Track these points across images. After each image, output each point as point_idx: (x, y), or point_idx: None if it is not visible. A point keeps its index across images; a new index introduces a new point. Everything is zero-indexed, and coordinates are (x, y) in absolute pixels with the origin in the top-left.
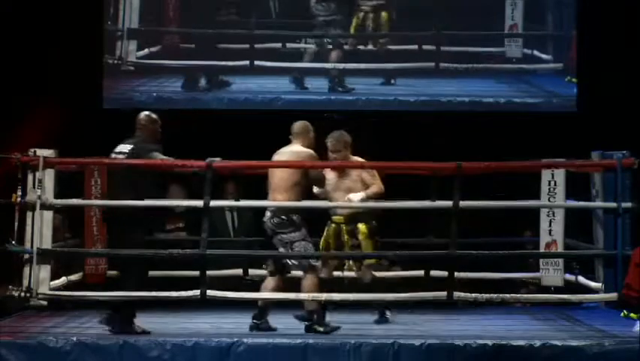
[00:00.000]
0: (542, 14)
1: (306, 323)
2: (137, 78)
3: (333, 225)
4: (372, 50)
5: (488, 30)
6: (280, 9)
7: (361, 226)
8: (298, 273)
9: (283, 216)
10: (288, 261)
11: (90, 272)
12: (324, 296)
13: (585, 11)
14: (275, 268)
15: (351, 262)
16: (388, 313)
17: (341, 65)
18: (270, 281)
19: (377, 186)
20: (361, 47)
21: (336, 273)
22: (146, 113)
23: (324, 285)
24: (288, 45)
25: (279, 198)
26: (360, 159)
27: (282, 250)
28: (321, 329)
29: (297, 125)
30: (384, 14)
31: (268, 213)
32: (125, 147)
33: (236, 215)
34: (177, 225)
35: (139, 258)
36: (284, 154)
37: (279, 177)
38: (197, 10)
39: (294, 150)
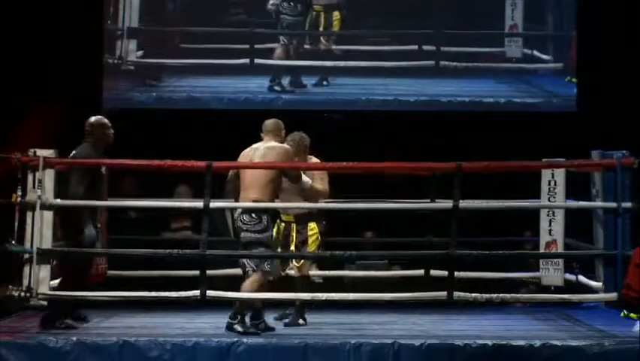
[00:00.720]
0: (542, 14)
1: (230, 320)
2: (137, 78)
3: (283, 223)
4: (363, 50)
5: (488, 30)
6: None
7: (312, 225)
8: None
9: (253, 214)
10: (244, 262)
11: (93, 272)
12: (324, 296)
13: (585, 11)
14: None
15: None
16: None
17: (342, 63)
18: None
19: (323, 187)
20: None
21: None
22: (95, 117)
23: (266, 288)
24: None
25: (252, 196)
26: (316, 159)
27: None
28: (240, 330)
29: (270, 123)
30: (336, 14)
31: (239, 210)
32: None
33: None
34: (183, 224)
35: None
36: (259, 150)
37: (253, 174)
38: (205, 11)
39: (270, 146)
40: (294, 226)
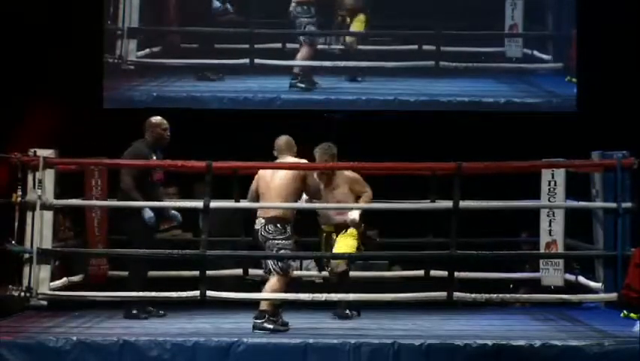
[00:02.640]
0: (542, 14)
1: (255, 321)
2: (137, 78)
3: (324, 234)
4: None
5: (488, 30)
6: (266, 9)
7: (351, 230)
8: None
9: (278, 225)
10: (269, 264)
11: (94, 273)
12: (324, 297)
13: (585, 11)
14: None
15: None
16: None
17: (342, 63)
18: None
19: (367, 196)
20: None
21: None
22: (155, 117)
23: (289, 289)
24: (289, 45)
25: (274, 210)
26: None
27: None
28: (270, 327)
29: (283, 142)
30: (361, 16)
31: (262, 220)
32: None
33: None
34: (171, 224)
35: (139, 257)
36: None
37: (275, 189)
38: (197, 10)
39: (291, 160)
40: (334, 235)
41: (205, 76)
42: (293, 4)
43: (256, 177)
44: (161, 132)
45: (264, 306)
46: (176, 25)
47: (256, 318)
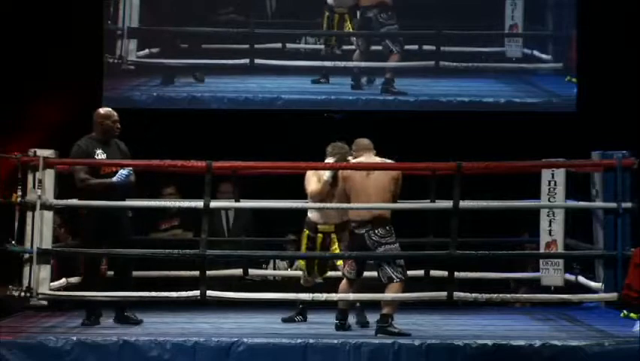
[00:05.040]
0: (542, 14)
1: (379, 324)
2: (137, 78)
3: (320, 234)
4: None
5: (488, 30)
6: (277, 8)
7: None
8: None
9: (387, 227)
10: (389, 272)
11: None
12: (324, 296)
13: (585, 11)
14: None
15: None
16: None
17: (342, 63)
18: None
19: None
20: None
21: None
22: (102, 108)
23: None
24: (289, 45)
25: (376, 210)
26: None
27: (385, 264)
28: (395, 330)
29: (367, 141)
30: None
31: (366, 224)
32: None
33: (232, 214)
34: (172, 223)
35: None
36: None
37: (375, 187)
38: (196, 10)
39: (379, 160)
40: (333, 236)
41: (194, 76)
42: (374, 11)
43: (341, 176)
44: (106, 124)
45: (387, 310)
46: (176, 25)
47: (380, 322)
